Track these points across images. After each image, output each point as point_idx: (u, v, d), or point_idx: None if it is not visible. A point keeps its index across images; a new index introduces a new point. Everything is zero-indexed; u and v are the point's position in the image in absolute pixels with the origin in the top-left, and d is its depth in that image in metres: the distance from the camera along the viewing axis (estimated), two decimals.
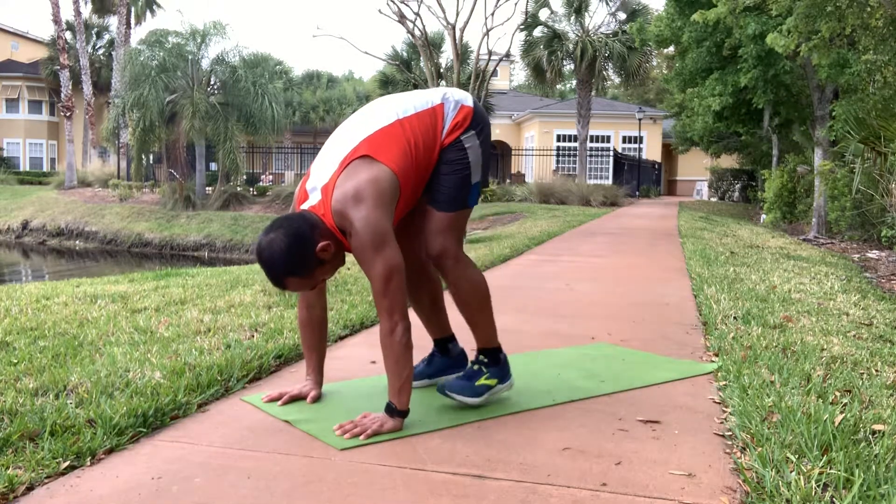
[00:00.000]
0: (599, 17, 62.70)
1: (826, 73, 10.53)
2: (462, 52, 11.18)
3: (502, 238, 9.76)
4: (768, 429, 1.95)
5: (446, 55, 21.82)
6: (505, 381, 2.30)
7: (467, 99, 2.25)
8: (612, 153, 28.27)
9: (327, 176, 2.05)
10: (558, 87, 34.84)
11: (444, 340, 2.50)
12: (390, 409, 2.02)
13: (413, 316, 2.19)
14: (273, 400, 2.23)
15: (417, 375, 2.45)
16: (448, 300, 2.45)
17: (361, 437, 1.94)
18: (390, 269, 1.96)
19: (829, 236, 11.72)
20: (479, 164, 2.22)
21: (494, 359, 2.29)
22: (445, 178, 2.17)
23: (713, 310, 3.79)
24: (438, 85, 11.01)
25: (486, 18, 9.69)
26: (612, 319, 3.68)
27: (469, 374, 2.28)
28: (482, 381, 2.25)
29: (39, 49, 37.00)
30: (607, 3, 23.64)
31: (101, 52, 36.28)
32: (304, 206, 2.08)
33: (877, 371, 2.63)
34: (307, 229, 1.97)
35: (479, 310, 2.29)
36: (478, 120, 2.22)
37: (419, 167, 2.11)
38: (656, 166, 31.17)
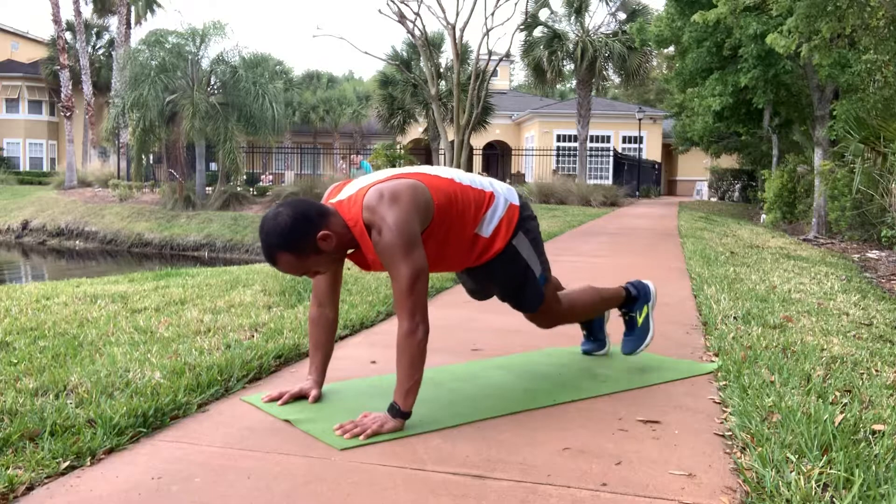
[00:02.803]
0: (599, 17, 62.77)
1: (826, 73, 10.53)
2: (462, 52, 11.19)
3: None
4: (768, 429, 1.95)
5: (446, 55, 21.82)
6: (650, 297, 2.69)
7: (514, 197, 2.36)
8: (612, 153, 28.27)
9: (368, 182, 2.11)
10: (558, 87, 34.87)
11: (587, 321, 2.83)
12: (393, 410, 2.01)
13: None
14: (273, 400, 2.22)
15: (596, 349, 2.86)
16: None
17: (361, 437, 1.93)
18: (417, 272, 1.98)
19: (829, 236, 11.72)
20: (534, 254, 2.37)
21: (630, 300, 2.67)
22: (512, 285, 2.37)
23: (713, 310, 3.79)
24: (438, 85, 11.01)
25: (486, 18, 9.70)
26: (612, 319, 3.67)
27: (629, 326, 2.66)
28: (640, 319, 2.64)
29: (39, 49, 37.00)
30: (607, 3, 23.66)
31: (101, 52, 36.27)
32: (332, 201, 2.14)
33: (877, 371, 2.63)
34: (314, 215, 2.00)
35: (601, 306, 2.64)
36: (524, 215, 2.33)
37: (453, 224, 2.16)
38: (656, 166, 31.17)
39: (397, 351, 2.01)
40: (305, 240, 1.98)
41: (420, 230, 2.04)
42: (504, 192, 2.32)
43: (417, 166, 2.25)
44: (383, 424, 1.98)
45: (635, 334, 2.64)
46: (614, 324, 3.02)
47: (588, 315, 2.66)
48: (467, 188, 2.21)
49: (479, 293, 2.58)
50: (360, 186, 2.09)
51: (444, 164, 11.64)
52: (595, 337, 2.89)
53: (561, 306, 2.50)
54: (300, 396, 2.25)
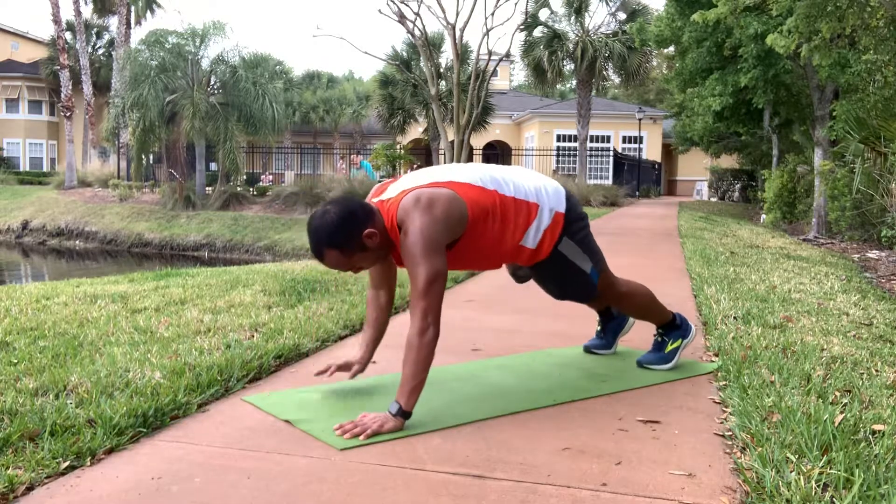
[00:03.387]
0: (599, 17, 62.78)
1: (826, 73, 10.52)
2: (462, 52, 11.18)
3: None
4: (768, 429, 1.95)
5: (446, 55, 21.82)
6: (688, 335, 2.73)
7: (561, 202, 2.37)
8: (612, 153, 28.27)
9: (411, 184, 2.17)
10: (558, 87, 34.83)
11: (604, 309, 2.89)
12: (395, 409, 2.01)
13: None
14: (321, 373, 2.35)
15: (604, 346, 2.89)
16: None
17: (361, 437, 1.94)
18: (435, 274, 2.05)
19: (829, 236, 11.72)
20: (581, 253, 2.43)
21: (672, 326, 2.71)
22: (563, 282, 2.46)
23: (713, 310, 3.79)
24: (437, 85, 11.00)
25: (486, 18, 9.69)
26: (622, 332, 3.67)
27: (656, 346, 2.71)
28: (670, 347, 2.68)
29: (39, 49, 36.98)
30: (607, 3, 23.64)
31: (101, 52, 36.25)
32: (376, 200, 2.22)
33: (877, 371, 2.63)
34: (361, 213, 2.08)
35: (649, 313, 2.71)
36: (569, 218, 2.37)
37: (489, 235, 2.22)
38: (656, 166, 31.17)
39: (406, 349, 2.03)
40: (352, 237, 2.05)
41: (448, 239, 2.11)
42: (550, 200, 2.34)
43: (464, 171, 2.25)
44: (383, 424, 1.98)
45: (659, 355, 2.70)
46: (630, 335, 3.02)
47: (634, 310, 2.73)
48: (511, 201, 2.24)
49: (524, 279, 2.64)
50: (403, 188, 2.16)
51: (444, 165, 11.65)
52: (606, 336, 2.93)
53: (615, 290, 2.62)
54: (346, 367, 2.35)
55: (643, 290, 2.70)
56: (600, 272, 2.51)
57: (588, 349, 2.94)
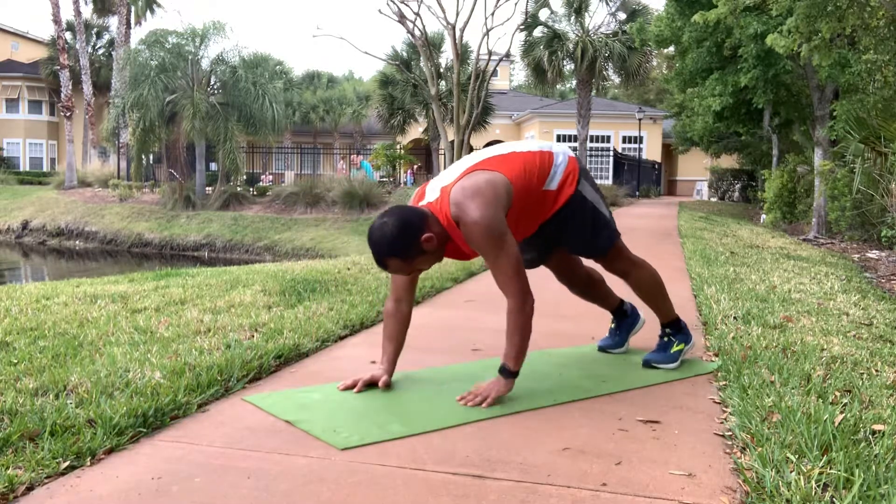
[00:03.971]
0: (599, 17, 62.77)
1: (826, 73, 10.52)
2: (462, 52, 11.18)
3: None
4: (768, 429, 1.95)
5: (446, 55, 21.82)
6: (689, 342, 2.78)
7: (570, 152, 2.56)
8: (612, 153, 28.26)
9: (448, 180, 2.32)
10: (558, 87, 34.84)
11: (618, 307, 2.97)
12: (505, 371, 2.25)
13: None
14: (348, 388, 2.37)
15: (615, 345, 2.95)
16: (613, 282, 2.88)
17: (483, 405, 2.18)
18: (513, 257, 2.23)
19: (829, 236, 11.72)
20: (599, 199, 2.57)
21: (677, 327, 2.77)
22: (586, 230, 2.54)
23: (713, 310, 3.79)
24: (437, 85, 11.00)
25: (486, 18, 9.70)
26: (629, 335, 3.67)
27: (662, 346, 2.75)
28: (675, 347, 2.72)
29: (39, 49, 36.97)
30: (607, 3, 23.62)
31: (101, 52, 36.24)
32: (421, 204, 2.34)
33: (877, 371, 2.63)
34: (416, 220, 2.22)
35: (657, 297, 2.76)
36: (581, 166, 2.54)
37: (530, 193, 2.37)
38: (656, 166, 31.16)
39: (508, 322, 2.26)
40: (411, 244, 2.19)
41: (504, 214, 2.25)
42: (562, 149, 2.53)
43: (486, 151, 2.42)
44: (499, 388, 2.24)
45: (665, 354, 2.73)
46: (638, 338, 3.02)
47: (643, 286, 2.75)
48: (531, 154, 2.41)
49: (536, 260, 2.74)
50: (444, 185, 2.30)
51: (444, 165, 11.63)
52: (620, 333, 2.98)
53: (628, 256, 2.70)
54: (372, 382, 2.40)
55: (654, 269, 2.77)
56: (614, 229, 2.63)
57: (602, 349, 2.98)
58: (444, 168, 11.16)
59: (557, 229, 2.53)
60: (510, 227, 2.29)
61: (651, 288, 2.76)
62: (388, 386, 2.41)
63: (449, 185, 2.28)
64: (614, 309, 2.99)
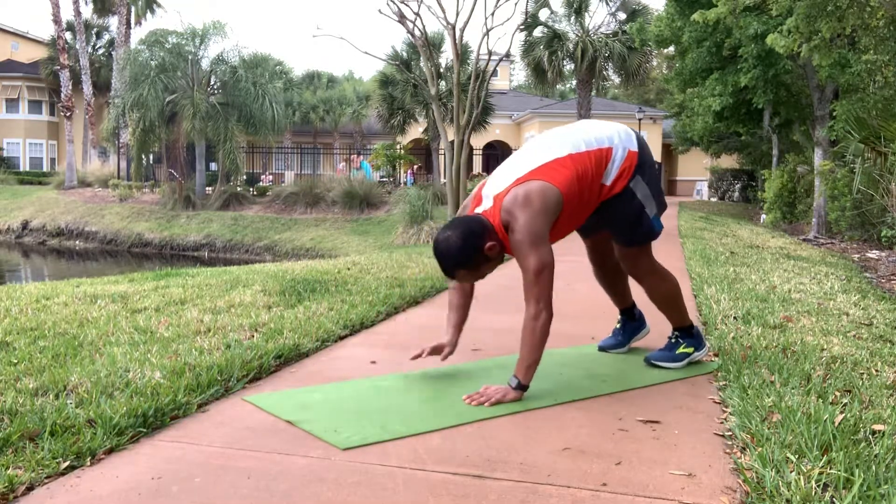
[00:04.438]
0: (599, 17, 62.75)
1: (826, 73, 10.52)
2: (462, 52, 11.17)
3: None
4: (768, 429, 1.95)
5: (446, 55, 21.81)
6: (701, 349, 2.75)
7: (632, 143, 2.53)
8: None
9: (501, 188, 2.39)
10: (558, 87, 34.85)
11: (629, 308, 2.99)
12: (514, 383, 2.29)
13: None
14: (417, 357, 2.54)
15: (618, 345, 2.96)
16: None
17: (486, 404, 2.22)
18: (542, 265, 2.28)
19: (829, 236, 11.72)
20: (650, 197, 2.56)
21: (688, 333, 2.74)
22: (626, 222, 2.56)
23: (713, 310, 3.79)
24: (438, 85, 11.00)
25: (486, 18, 9.68)
26: (612, 319, 3.67)
27: (668, 346, 2.75)
28: (681, 349, 2.72)
29: (39, 49, 36.97)
30: (607, 3, 23.63)
31: (101, 52, 36.24)
32: (478, 210, 2.43)
33: (877, 371, 2.63)
34: (479, 230, 2.32)
35: (671, 306, 2.75)
36: (641, 160, 2.52)
37: (582, 194, 2.42)
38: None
39: (523, 331, 2.31)
40: (475, 254, 2.32)
41: (550, 223, 2.33)
42: (623, 140, 2.51)
43: (539, 150, 2.44)
44: (505, 395, 2.26)
45: (669, 354, 2.73)
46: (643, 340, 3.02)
47: (660, 294, 2.73)
48: (586, 155, 2.43)
49: (581, 230, 2.77)
50: (496, 193, 2.39)
51: (444, 165, 11.63)
52: (624, 334, 2.99)
53: (652, 262, 2.69)
54: (438, 349, 2.54)
55: (675, 279, 2.77)
56: (661, 225, 2.62)
57: (603, 349, 2.99)
58: (445, 167, 11.14)
59: (600, 215, 2.58)
60: (562, 223, 2.40)
61: (665, 298, 2.75)
62: (453, 353, 2.56)
63: (501, 192, 2.37)
64: (625, 308, 2.99)
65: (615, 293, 2.98)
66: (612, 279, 2.93)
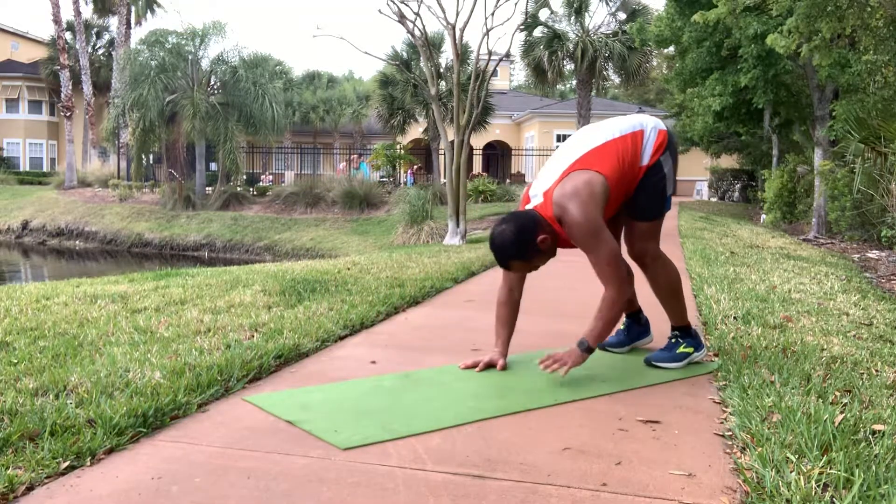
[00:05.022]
0: (599, 17, 62.64)
1: (826, 73, 10.52)
2: (462, 52, 11.16)
3: None
4: (768, 429, 1.95)
5: (446, 55, 21.81)
6: (700, 350, 2.78)
7: (661, 124, 2.69)
8: None
9: (549, 184, 2.53)
10: (558, 87, 34.85)
11: (636, 313, 3.04)
12: (583, 345, 2.46)
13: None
14: (469, 367, 2.63)
15: (618, 344, 3.01)
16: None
17: (562, 372, 2.40)
18: (609, 252, 2.45)
19: (829, 236, 11.72)
20: (672, 178, 2.69)
21: (686, 332, 2.78)
22: (648, 194, 2.64)
23: (713, 310, 3.79)
24: (437, 85, 11.00)
25: (486, 18, 9.68)
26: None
27: (668, 347, 2.78)
28: (681, 349, 2.75)
29: (39, 49, 36.97)
30: (607, 3, 23.62)
31: (101, 52, 36.24)
32: (529, 206, 2.57)
33: (877, 371, 2.62)
34: (531, 224, 2.47)
35: (672, 296, 2.79)
36: (670, 139, 2.66)
37: (624, 177, 2.56)
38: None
39: (601, 305, 2.48)
40: (529, 246, 2.46)
41: (601, 210, 2.47)
42: (651, 123, 2.66)
43: (580, 142, 2.59)
44: (574, 359, 2.45)
45: (669, 354, 2.75)
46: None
47: (662, 283, 2.78)
48: (623, 140, 2.57)
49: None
50: (546, 189, 2.52)
51: (444, 165, 11.64)
52: (627, 334, 3.02)
53: (658, 249, 2.75)
54: (491, 364, 2.64)
55: (676, 272, 2.82)
56: (670, 206, 2.71)
57: (603, 347, 3.00)
58: (445, 167, 11.15)
59: (630, 197, 2.69)
60: (608, 208, 2.52)
61: (669, 286, 2.78)
62: (504, 368, 2.65)
63: (550, 188, 2.51)
64: (631, 312, 3.02)
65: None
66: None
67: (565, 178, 2.49)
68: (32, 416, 1.94)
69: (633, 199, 2.66)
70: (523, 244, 2.46)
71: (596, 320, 2.48)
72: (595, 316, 2.49)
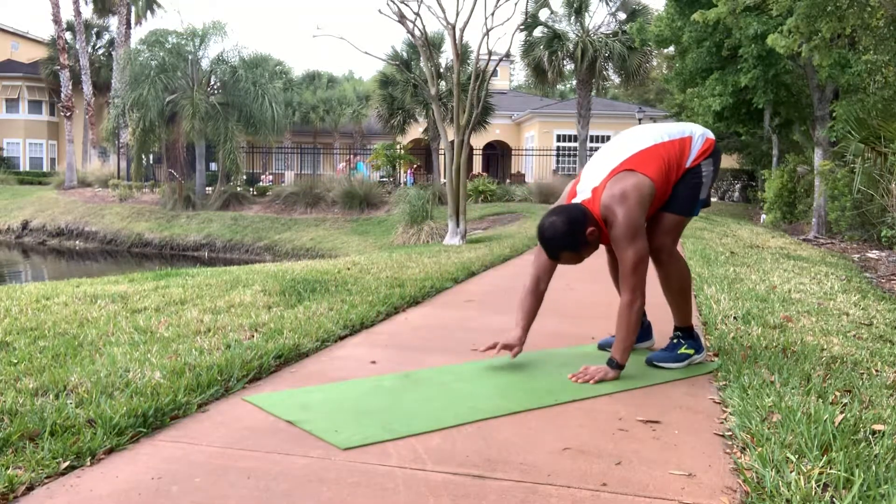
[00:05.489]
0: (599, 17, 62.67)
1: (827, 73, 10.52)
2: (462, 52, 11.15)
3: (502, 238, 9.77)
4: (768, 429, 1.95)
5: (446, 55, 21.81)
6: (700, 353, 2.80)
7: (709, 133, 2.78)
8: None
9: (598, 181, 2.61)
10: (558, 87, 34.84)
11: None
12: (612, 363, 2.54)
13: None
14: (489, 348, 2.69)
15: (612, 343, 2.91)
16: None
17: (591, 382, 2.46)
18: (640, 257, 2.51)
19: (829, 236, 11.72)
20: (709, 184, 2.75)
21: (688, 334, 2.80)
22: (684, 191, 2.69)
23: (713, 310, 3.79)
24: (438, 85, 10.99)
25: (486, 18, 9.67)
26: (612, 319, 3.66)
27: (670, 347, 2.80)
28: (682, 350, 2.77)
29: (39, 49, 36.97)
30: (607, 3, 23.62)
31: (101, 52, 36.24)
32: (576, 201, 2.63)
33: (877, 371, 2.63)
34: (582, 216, 2.55)
35: (681, 295, 2.81)
36: (716, 150, 2.75)
37: (669, 181, 2.65)
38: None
39: (618, 317, 2.55)
40: (578, 238, 2.54)
41: (646, 213, 2.56)
42: (700, 131, 2.76)
43: (629, 141, 2.66)
44: (606, 374, 2.52)
45: (671, 354, 2.76)
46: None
47: (673, 281, 2.79)
48: (670, 143, 2.65)
49: None
50: (594, 186, 2.61)
51: (444, 165, 11.64)
52: None
53: (674, 248, 2.78)
54: (508, 347, 2.70)
55: (689, 272, 2.84)
56: (698, 212, 2.79)
57: (603, 347, 3.02)
58: (445, 167, 11.15)
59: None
60: (651, 209, 2.60)
61: (680, 285, 2.80)
62: (516, 355, 2.73)
63: (599, 185, 2.59)
64: None
65: None
66: None
67: (614, 178, 2.56)
68: (32, 416, 1.94)
69: (672, 195, 2.72)
70: (574, 235, 2.53)
71: (617, 335, 2.55)
72: (616, 329, 2.56)
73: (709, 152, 2.70)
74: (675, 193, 2.69)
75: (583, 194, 2.64)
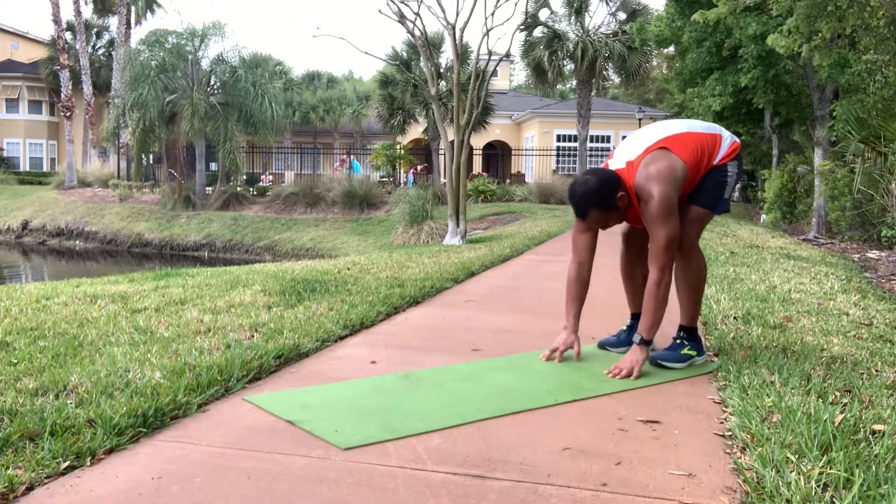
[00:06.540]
0: (599, 17, 62.67)
1: (827, 73, 10.52)
2: (462, 52, 11.15)
3: (502, 238, 9.77)
4: (768, 429, 1.95)
5: (446, 55, 21.81)
6: (702, 355, 2.81)
7: (735, 137, 2.86)
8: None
9: (633, 155, 2.69)
10: (558, 87, 34.82)
11: (640, 314, 2.96)
12: (639, 339, 2.61)
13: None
14: (549, 358, 2.76)
15: (618, 344, 3.03)
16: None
17: (632, 376, 2.52)
18: (672, 236, 2.58)
19: (829, 236, 11.72)
20: (732, 186, 2.81)
21: (693, 335, 2.82)
22: (710, 185, 2.76)
23: (713, 310, 3.79)
24: (438, 85, 10.99)
25: (486, 18, 9.67)
26: (612, 319, 3.68)
27: (673, 347, 2.81)
28: (685, 350, 2.78)
29: (39, 49, 36.98)
30: (607, 3, 23.62)
31: (101, 52, 36.24)
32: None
33: (877, 371, 2.63)
34: (615, 179, 2.63)
35: (694, 291, 2.84)
36: (740, 153, 2.84)
37: (698, 170, 2.71)
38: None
39: (646, 294, 2.61)
40: (609, 198, 2.61)
41: (678, 194, 2.62)
42: (728, 133, 2.83)
43: (665, 124, 2.75)
44: (639, 359, 2.59)
45: (675, 353, 2.77)
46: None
47: (688, 279, 2.82)
48: (705, 136, 2.73)
49: None
50: (630, 159, 2.68)
51: (444, 165, 11.65)
52: (629, 335, 3.03)
53: (695, 246, 2.84)
54: (567, 346, 2.78)
55: (706, 272, 2.90)
56: (721, 212, 2.87)
57: (603, 346, 3.04)
58: (445, 167, 11.17)
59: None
60: (683, 189, 2.65)
61: (696, 279, 2.83)
62: (577, 347, 2.80)
63: (635, 159, 2.66)
64: (637, 312, 3.03)
65: (635, 294, 3.04)
66: (637, 279, 3.03)
67: (649, 156, 2.63)
68: (32, 416, 1.94)
69: (699, 188, 2.77)
70: (605, 195, 2.60)
71: (644, 311, 2.62)
72: (643, 307, 2.63)
73: (734, 155, 2.76)
74: (702, 186, 2.74)
75: (616, 165, 2.71)
